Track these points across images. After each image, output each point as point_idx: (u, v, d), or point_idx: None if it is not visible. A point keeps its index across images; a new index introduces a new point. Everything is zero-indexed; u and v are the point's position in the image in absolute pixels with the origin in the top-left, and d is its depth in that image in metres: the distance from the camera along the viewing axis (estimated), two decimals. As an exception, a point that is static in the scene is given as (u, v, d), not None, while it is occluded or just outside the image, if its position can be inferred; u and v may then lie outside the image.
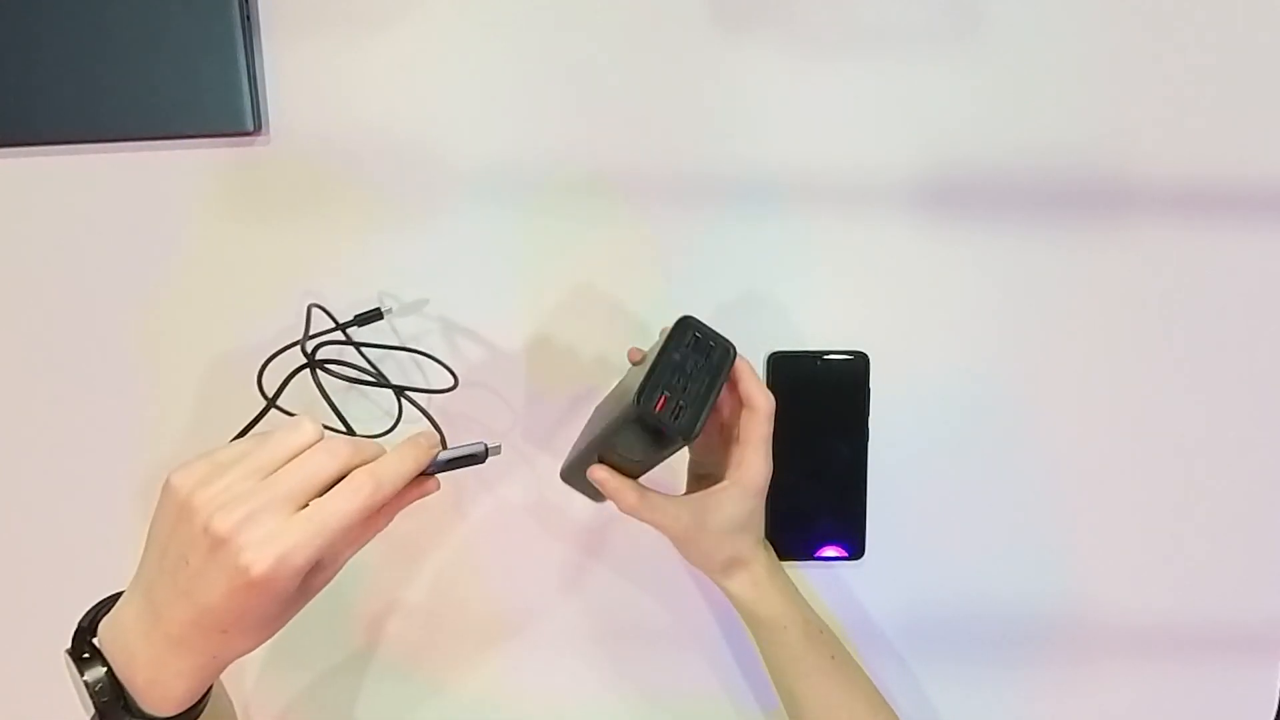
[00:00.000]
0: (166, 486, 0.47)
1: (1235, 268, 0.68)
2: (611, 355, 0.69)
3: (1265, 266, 0.68)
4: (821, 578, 0.71)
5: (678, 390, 0.56)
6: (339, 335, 0.67)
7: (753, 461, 0.59)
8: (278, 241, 0.69)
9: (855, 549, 0.70)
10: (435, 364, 0.68)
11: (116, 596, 0.50)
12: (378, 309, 0.68)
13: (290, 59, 0.67)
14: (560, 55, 0.67)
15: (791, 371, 0.69)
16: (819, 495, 0.70)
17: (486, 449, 0.53)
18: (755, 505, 0.60)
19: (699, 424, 0.55)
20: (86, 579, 0.72)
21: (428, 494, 0.51)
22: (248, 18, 0.66)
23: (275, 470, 0.46)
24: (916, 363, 0.69)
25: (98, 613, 0.50)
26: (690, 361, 0.57)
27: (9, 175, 0.69)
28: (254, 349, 0.70)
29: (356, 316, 0.67)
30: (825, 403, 0.69)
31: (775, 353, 0.69)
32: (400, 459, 0.48)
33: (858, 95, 0.67)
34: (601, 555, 0.72)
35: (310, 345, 0.64)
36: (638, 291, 0.69)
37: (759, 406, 0.59)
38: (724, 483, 0.60)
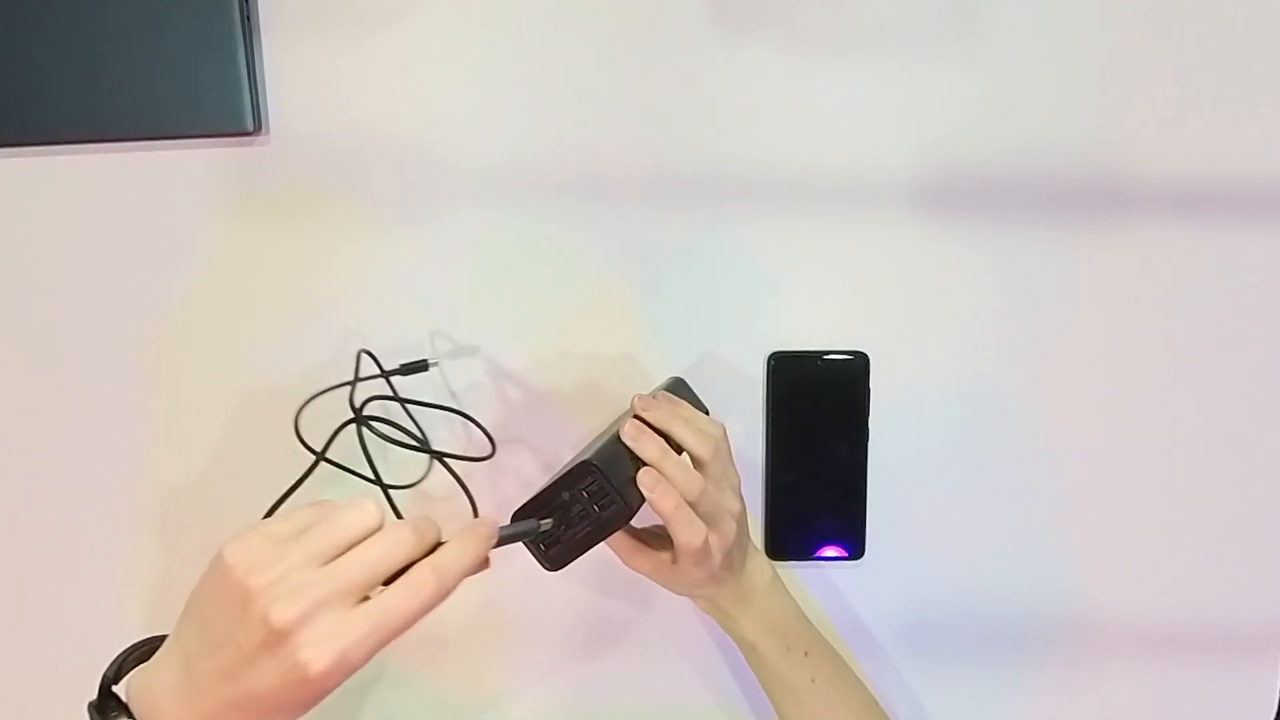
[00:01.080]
0: (219, 562, 0.44)
1: (1235, 268, 0.68)
2: (611, 357, 0.70)
3: (1265, 266, 0.68)
4: (821, 578, 0.71)
5: (559, 526, 0.55)
6: (380, 382, 0.66)
7: (678, 532, 0.56)
8: (277, 242, 0.69)
9: (855, 549, 0.70)
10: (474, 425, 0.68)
11: (141, 645, 0.49)
12: (424, 361, 0.67)
13: (290, 59, 0.67)
14: (560, 55, 0.67)
15: (791, 371, 0.69)
16: (819, 495, 0.70)
17: (539, 527, 0.53)
18: (707, 561, 0.58)
19: (564, 565, 0.55)
20: (85, 583, 0.72)
21: (479, 572, 0.48)
22: (248, 18, 0.66)
23: (336, 557, 0.44)
24: (916, 363, 0.69)
25: (123, 663, 0.48)
26: (578, 507, 0.55)
27: (9, 175, 0.69)
28: (254, 349, 0.70)
29: (402, 366, 0.67)
30: (825, 403, 0.69)
31: (775, 353, 0.69)
32: (462, 551, 0.46)
33: (858, 95, 0.67)
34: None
35: (358, 399, 0.63)
36: (638, 292, 0.69)
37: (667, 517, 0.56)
38: (666, 555, 0.59)
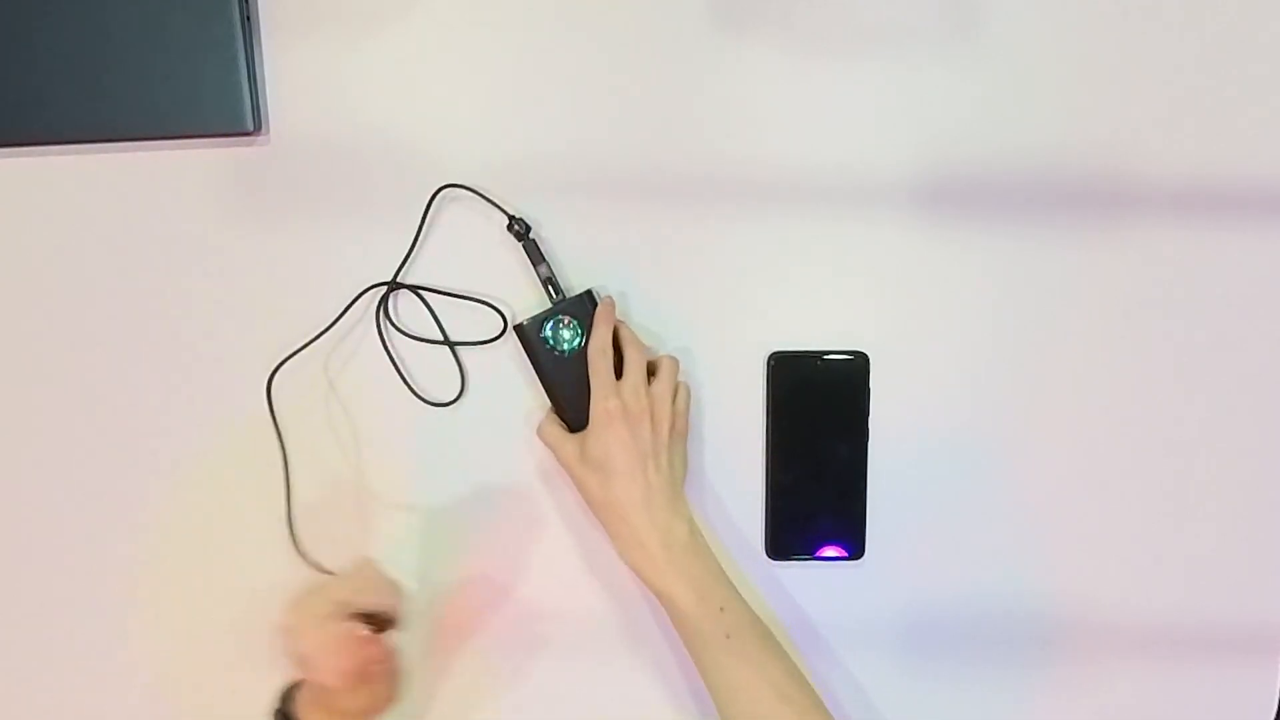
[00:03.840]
0: None
1: (1235, 268, 0.68)
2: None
3: (1265, 266, 0.68)
4: (821, 578, 0.71)
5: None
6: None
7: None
8: (277, 241, 0.69)
9: (855, 549, 0.70)
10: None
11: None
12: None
13: (290, 59, 0.67)
14: (560, 55, 0.67)
15: (791, 371, 0.69)
16: (819, 495, 0.70)
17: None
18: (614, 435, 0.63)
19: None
20: (85, 584, 0.72)
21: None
22: (248, 18, 0.66)
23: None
24: (916, 363, 0.69)
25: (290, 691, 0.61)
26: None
27: (9, 175, 0.69)
28: (253, 349, 0.70)
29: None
30: (825, 403, 0.69)
31: (775, 353, 0.69)
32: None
33: (857, 95, 0.67)
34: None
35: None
36: (637, 291, 0.69)
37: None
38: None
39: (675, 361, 0.67)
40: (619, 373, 0.65)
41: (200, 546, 0.72)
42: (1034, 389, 0.70)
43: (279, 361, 0.68)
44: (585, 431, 0.65)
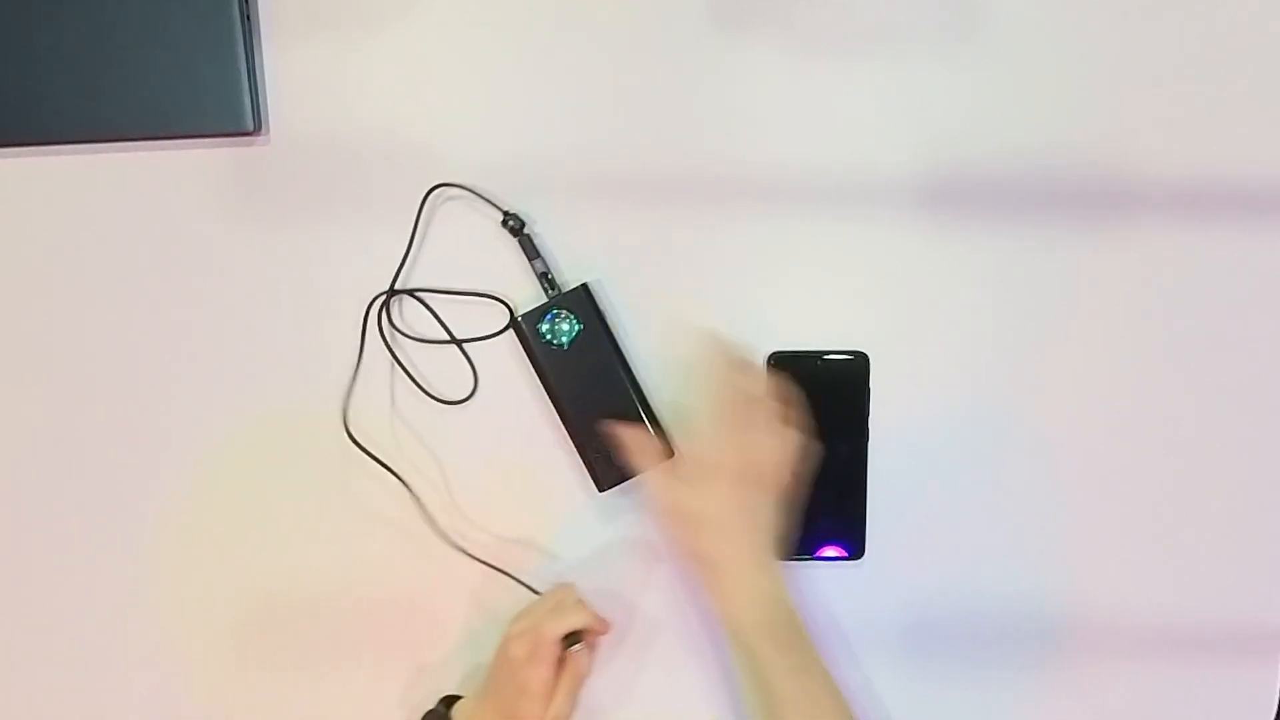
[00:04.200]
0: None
1: (1235, 268, 0.68)
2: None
3: (1265, 266, 0.68)
4: (821, 578, 0.71)
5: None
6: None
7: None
8: (277, 241, 0.69)
9: (855, 549, 0.70)
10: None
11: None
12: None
13: (290, 59, 0.67)
14: (560, 55, 0.67)
15: (791, 371, 0.69)
16: (819, 495, 0.70)
17: None
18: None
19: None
20: (83, 582, 0.72)
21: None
22: (248, 18, 0.66)
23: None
24: (916, 363, 0.69)
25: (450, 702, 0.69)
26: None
27: (9, 175, 0.69)
28: (253, 348, 0.70)
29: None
30: (825, 403, 0.69)
31: (775, 353, 0.69)
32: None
33: (858, 95, 0.67)
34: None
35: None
36: (637, 291, 0.69)
37: None
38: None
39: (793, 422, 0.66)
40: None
41: (203, 543, 0.72)
42: (1034, 389, 0.70)
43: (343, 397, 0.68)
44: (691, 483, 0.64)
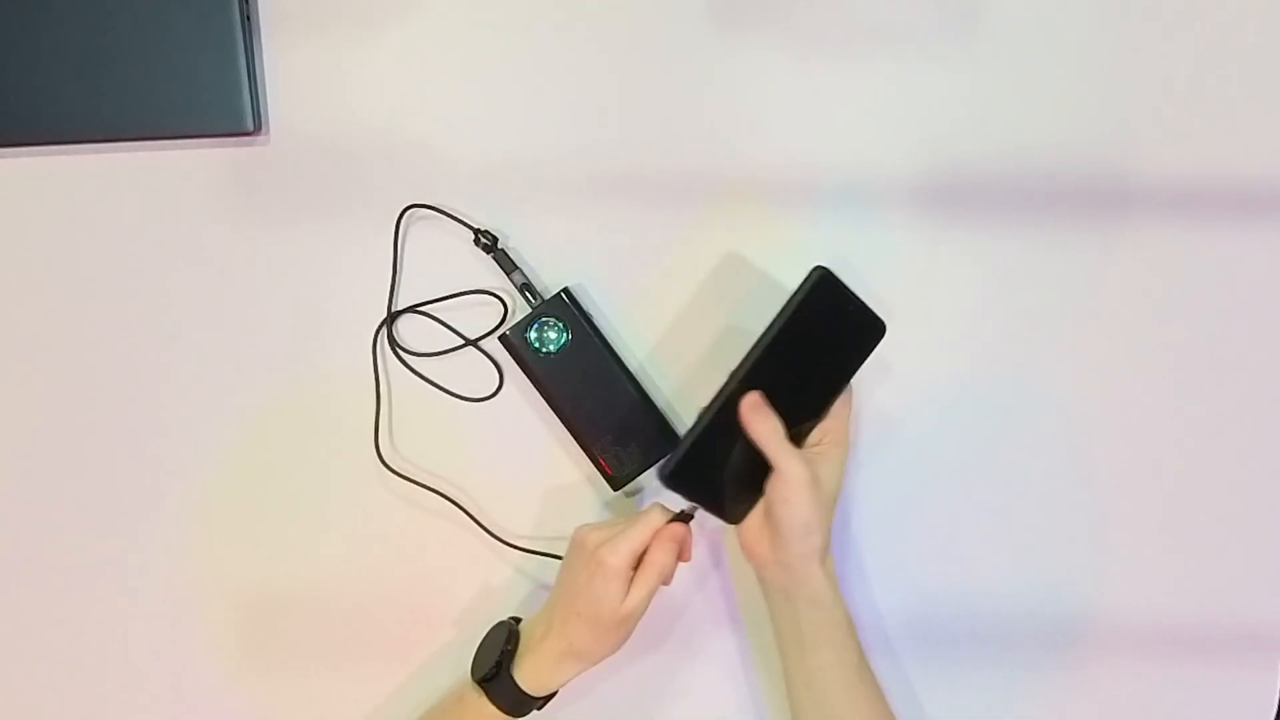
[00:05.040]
0: (573, 539, 0.65)
1: (1235, 268, 0.68)
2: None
3: (1265, 266, 0.68)
4: (821, 578, 0.71)
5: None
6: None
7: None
8: (277, 241, 0.69)
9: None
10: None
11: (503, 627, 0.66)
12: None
13: (290, 59, 0.67)
14: (560, 55, 0.67)
15: (826, 295, 0.62)
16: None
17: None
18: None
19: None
20: (82, 582, 0.72)
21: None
22: (248, 18, 0.66)
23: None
24: (917, 363, 0.69)
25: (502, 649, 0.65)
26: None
27: (9, 175, 0.69)
28: (253, 348, 0.70)
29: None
30: (831, 336, 0.63)
31: (824, 269, 0.62)
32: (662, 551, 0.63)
33: (858, 95, 0.67)
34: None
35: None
36: (637, 291, 0.69)
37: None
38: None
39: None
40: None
41: (203, 543, 0.72)
42: (1034, 389, 0.70)
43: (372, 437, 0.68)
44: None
